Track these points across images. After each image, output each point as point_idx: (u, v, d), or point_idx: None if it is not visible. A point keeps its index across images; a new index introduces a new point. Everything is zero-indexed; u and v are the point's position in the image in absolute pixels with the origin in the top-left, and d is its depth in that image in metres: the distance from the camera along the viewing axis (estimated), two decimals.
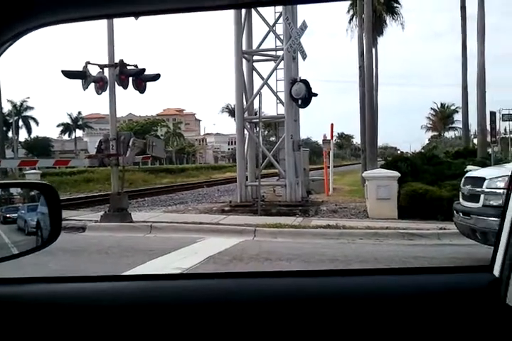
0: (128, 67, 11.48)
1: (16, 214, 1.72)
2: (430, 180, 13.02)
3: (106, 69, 11.48)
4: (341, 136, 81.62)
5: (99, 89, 11.40)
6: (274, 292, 1.16)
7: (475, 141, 31.43)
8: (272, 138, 44.34)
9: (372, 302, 1.13)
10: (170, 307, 1.10)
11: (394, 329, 1.10)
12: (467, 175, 7.66)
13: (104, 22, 11.77)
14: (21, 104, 60.15)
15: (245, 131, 14.31)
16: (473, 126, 31.90)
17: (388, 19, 31.65)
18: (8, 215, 1.67)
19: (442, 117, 69.12)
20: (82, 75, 11.12)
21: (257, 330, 1.08)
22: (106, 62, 11.50)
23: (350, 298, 1.14)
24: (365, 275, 1.27)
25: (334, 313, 1.11)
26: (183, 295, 1.14)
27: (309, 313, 1.11)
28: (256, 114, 14.39)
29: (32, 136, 63.47)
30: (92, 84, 11.41)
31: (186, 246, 8.44)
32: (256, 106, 14.22)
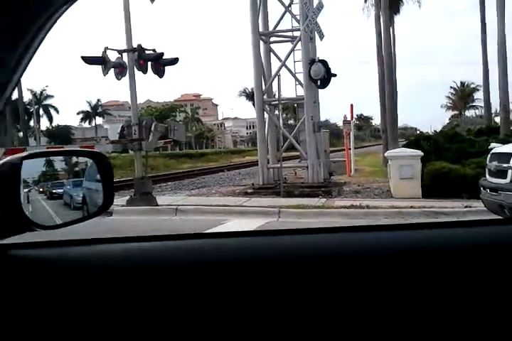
0: (146, 52, 11.50)
1: (62, 190, 1.75)
2: (453, 158, 12.89)
3: (125, 55, 11.53)
4: (360, 117, 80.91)
5: (119, 75, 11.45)
6: (288, 249, 1.18)
7: (497, 119, 30.90)
8: (291, 122, 44.20)
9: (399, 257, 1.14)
10: (192, 266, 1.14)
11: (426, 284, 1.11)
12: (493, 151, 7.58)
13: (120, 7, 11.78)
14: (41, 93, 60.82)
15: (265, 114, 14.29)
16: (495, 104, 31.37)
17: None
18: (54, 191, 1.70)
19: (462, 96, 68.00)
20: (102, 61, 11.16)
21: (272, 288, 1.10)
22: (124, 47, 11.54)
23: (374, 254, 1.15)
24: (384, 231, 1.28)
25: (357, 269, 1.12)
26: (205, 254, 1.17)
27: (329, 269, 1.12)
28: (275, 96, 14.33)
29: (53, 124, 64.32)
30: (112, 70, 11.47)
31: (213, 227, 8.52)
32: (275, 88, 14.16)
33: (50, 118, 63.32)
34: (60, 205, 1.75)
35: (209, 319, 1.08)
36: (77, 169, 1.75)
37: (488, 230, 1.26)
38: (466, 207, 9.60)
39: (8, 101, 0.99)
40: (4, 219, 1.02)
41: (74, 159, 1.75)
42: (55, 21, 0.88)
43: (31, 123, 56.83)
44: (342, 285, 1.10)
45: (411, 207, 9.90)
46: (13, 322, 1.02)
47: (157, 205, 11.01)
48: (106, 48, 11.27)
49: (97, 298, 1.10)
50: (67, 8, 0.88)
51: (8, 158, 1.09)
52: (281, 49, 14.95)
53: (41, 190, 1.61)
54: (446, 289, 1.10)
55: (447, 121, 60.47)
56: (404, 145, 15.31)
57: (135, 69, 11.40)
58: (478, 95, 56.18)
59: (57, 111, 63.60)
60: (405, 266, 1.12)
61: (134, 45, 11.38)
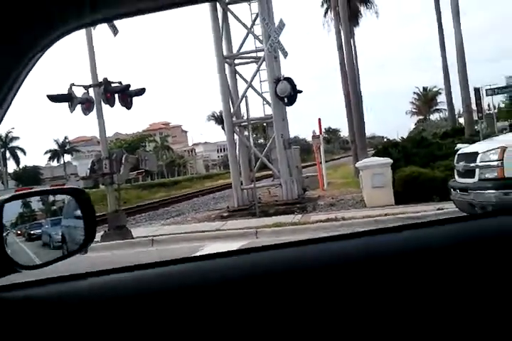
0: (112, 85, 11.53)
1: (40, 230, 1.77)
2: (422, 162, 13.18)
3: (91, 90, 11.53)
4: (328, 130, 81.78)
5: (87, 110, 11.42)
6: (280, 263, 1.20)
7: (461, 120, 31.68)
8: (261, 141, 44.42)
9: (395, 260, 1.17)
10: (190, 290, 1.15)
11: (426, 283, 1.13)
12: (460, 151, 7.78)
13: (84, 42, 11.80)
14: (6, 135, 59.91)
15: (235, 135, 14.40)
16: (457, 105, 32.23)
17: (362, 9, 31.96)
18: (32, 232, 1.72)
19: (426, 100, 69.54)
20: (68, 98, 11.14)
21: (263, 305, 1.12)
22: (90, 82, 11.55)
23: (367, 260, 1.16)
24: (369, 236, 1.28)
25: (339, 277, 1.13)
26: (203, 277, 1.19)
27: (318, 281, 1.13)
28: (243, 117, 14.48)
29: (20, 166, 63.27)
30: (79, 106, 11.44)
31: (191, 254, 8.47)
32: (243, 109, 14.32)
33: (17, 161, 62.42)
34: (39, 246, 1.77)
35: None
36: (54, 208, 1.78)
37: (453, 227, 1.29)
38: (438, 209, 9.79)
39: None
40: None
41: (51, 198, 1.78)
42: (37, 61, 0.92)
43: None
44: (328, 294, 1.12)
45: (385, 214, 10.06)
46: None
47: (132, 238, 10.90)
48: (72, 85, 11.25)
49: (89, 331, 1.11)
50: (48, 48, 0.92)
51: None
52: (247, 70, 15.16)
53: (19, 232, 1.63)
54: (427, 289, 1.12)
55: (413, 126, 61.66)
56: (374, 154, 15.57)
57: (102, 103, 11.40)
58: (441, 98, 57.59)
59: (24, 153, 62.83)
60: (382, 270, 1.15)
61: (100, 79, 11.41)
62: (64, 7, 0.88)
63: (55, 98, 11.31)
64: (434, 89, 67.28)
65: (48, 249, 1.82)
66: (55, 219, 1.78)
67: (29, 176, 57.04)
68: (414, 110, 72.01)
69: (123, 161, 11.38)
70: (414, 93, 71.39)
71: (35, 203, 1.80)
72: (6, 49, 0.90)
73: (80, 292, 1.20)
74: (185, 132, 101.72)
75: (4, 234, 1.43)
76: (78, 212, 1.60)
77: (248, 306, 1.11)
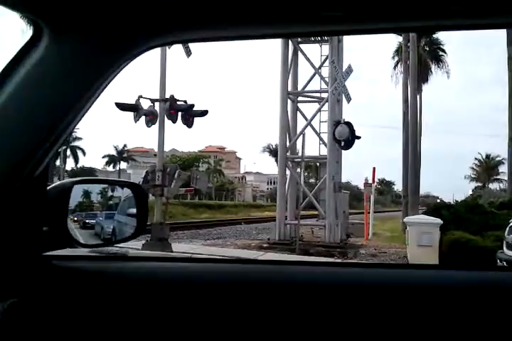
0: (178, 102, 11.93)
1: (94, 221, 1.86)
2: (473, 229, 12.75)
3: (156, 104, 11.97)
4: (382, 181, 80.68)
5: (150, 122, 11.84)
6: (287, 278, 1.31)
7: None
8: (312, 180, 44.32)
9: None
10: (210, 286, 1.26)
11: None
12: (511, 224, 7.54)
13: (157, 59, 12.33)
14: (70, 134, 62.31)
15: (287, 170, 14.47)
16: None
17: (433, 67, 31.85)
18: (87, 221, 1.81)
19: (487, 168, 67.67)
20: (135, 108, 11.60)
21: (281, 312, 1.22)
22: (157, 96, 12.00)
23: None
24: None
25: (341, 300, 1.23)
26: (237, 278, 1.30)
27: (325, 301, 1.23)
28: (298, 154, 14.55)
29: (78, 165, 65.57)
30: (143, 117, 11.88)
31: None
32: (299, 146, 14.43)
33: (76, 160, 64.70)
34: (91, 235, 1.86)
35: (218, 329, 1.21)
36: (111, 202, 1.87)
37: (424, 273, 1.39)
38: None
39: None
40: (51, 234, 1.13)
41: (109, 193, 1.87)
42: (123, 69, 1.02)
43: (57, 162, 58.07)
44: (327, 312, 1.22)
45: None
46: (53, 325, 1.12)
47: (172, 252, 11.02)
48: (140, 96, 11.74)
49: (128, 310, 1.22)
50: (135, 57, 1.02)
51: (62, 181, 1.22)
52: (308, 109, 15.40)
53: (75, 219, 1.72)
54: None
55: (470, 192, 59.95)
56: (424, 213, 15.21)
57: (165, 118, 11.79)
58: (503, 168, 55.96)
59: (84, 153, 65.05)
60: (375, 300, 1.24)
61: (167, 96, 11.83)
62: (158, 24, 0.98)
63: (122, 106, 11.79)
64: (497, 159, 65.55)
65: (98, 239, 1.91)
66: (109, 213, 1.87)
67: (85, 176, 58.73)
68: (473, 176, 70.11)
69: (175, 176, 11.63)
70: (476, 159, 69.76)
71: (94, 195, 1.90)
72: (105, 53, 0.99)
73: (123, 272, 1.34)
74: (239, 159, 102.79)
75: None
76: (131, 210, 1.69)
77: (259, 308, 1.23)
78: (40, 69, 0.96)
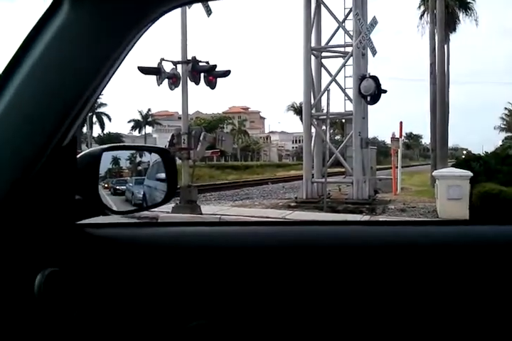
0: (200, 64, 11.80)
1: (125, 187, 1.87)
2: (504, 180, 12.56)
3: (179, 66, 11.87)
4: (409, 135, 79.63)
5: (173, 85, 11.79)
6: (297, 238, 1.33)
7: None
8: (337, 137, 43.97)
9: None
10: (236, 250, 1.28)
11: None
12: None
13: (177, 20, 12.14)
14: (95, 101, 62.74)
15: (312, 128, 14.34)
16: None
17: (461, 15, 30.68)
18: (117, 187, 1.83)
19: None
20: (157, 71, 11.53)
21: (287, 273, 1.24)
22: (179, 58, 11.89)
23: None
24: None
25: (355, 259, 1.24)
26: (249, 240, 1.32)
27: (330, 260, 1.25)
28: (323, 111, 14.37)
29: (105, 131, 66.29)
30: (166, 80, 11.82)
31: None
32: (323, 103, 14.24)
33: (102, 126, 65.34)
34: (122, 201, 1.88)
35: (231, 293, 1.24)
36: (140, 168, 1.88)
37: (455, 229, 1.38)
38: None
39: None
40: (83, 202, 1.15)
41: (138, 158, 1.87)
42: (144, 32, 0.99)
43: (84, 129, 58.76)
44: (338, 273, 1.24)
45: None
46: (92, 293, 1.15)
47: (201, 214, 11.18)
48: (162, 59, 11.64)
49: (161, 275, 1.25)
50: (156, 21, 0.99)
51: (91, 149, 1.22)
52: (333, 64, 15.06)
53: (106, 185, 1.73)
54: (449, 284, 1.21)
55: (500, 143, 58.80)
56: (454, 166, 15.02)
57: (188, 80, 11.71)
58: None
59: (110, 119, 65.59)
60: (395, 258, 1.24)
61: (189, 57, 11.71)
62: None
63: (145, 70, 11.73)
64: None
65: (129, 205, 1.94)
66: (139, 178, 1.89)
67: (112, 142, 59.54)
68: (503, 126, 68.51)
69: (201, 139, 11.66)
70: (506, 108, 67.91)
71: (123, 161, 1.90)
72: (126, 17, 0.97)
73: (155, 237, 1.36)
74: (263, 119, 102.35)
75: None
76: (160, 175, 1.69)
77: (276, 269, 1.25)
78: (62, 36, 0.94)
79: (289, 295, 1.23)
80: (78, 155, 1.15)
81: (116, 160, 1.80)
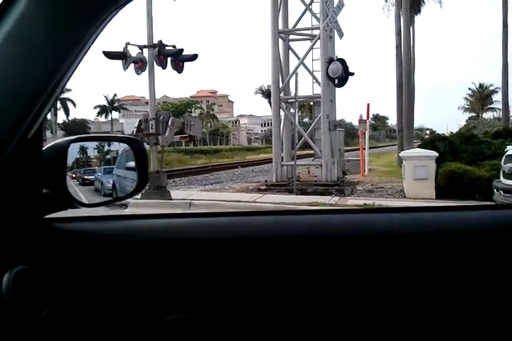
0: (166, 48, 11.62)
1: (93, 177, 1.84)
2: (469, 159, 12.87)
3: (145, 50, 11.65)
4: (376, 117, 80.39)
5: (139, 70, 11.58)
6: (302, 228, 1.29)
7: None
8: (305, 120, 44.12)
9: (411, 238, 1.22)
10: (202, 241, 1.26)
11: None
12: (508, 152, 7.59)
13: (142, 3, 11.90)
14: (60, 92, 61.21)
15: (281, 111, 14.35)
16: None
17: None
18: (86, 177, 1.80)
19: (480, 97, 67.25)
20: (123, 56, 11.30)
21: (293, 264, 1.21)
22: (145, 42, 11.67)
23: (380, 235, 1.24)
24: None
25: (357, 248, 1.21)
26: (232, 230, 1.29)
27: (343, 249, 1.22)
28: (292, 94, 14.37)
29: (70, 117, 64.90)
30: (132, 65, 11.60)
31: None
32: (292, 86, 14.23)
33: (67, 112, 63.90)
34: (91, 191, 1.85)
35: (221, 285, 1.21)
36: (108, 157, 1.85)
37: (480, 214, 1.33)
38: None
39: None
40: (51, 196, 1.12)
41: (106, 147, 1.84)
42: (112, 18, 0.96)
43: (48, 116, 57.36)
44: (342, 261, 1.21)
45: None
46: (62, 290, 1.12)
47: (171, 199, 11.13)
48: (127, 44, 11.41)
49: (133, 270, 1.22)
50: (124, 6, 0.96)
51: (57, 140, 1.19)
52: (300, 47, 15.03)
53: (73, 175, 1.70)
54: (437, 270, 1.18)
55: (464, 123, 59.92)
56: (419, 146, 15.29)
57: (155, 64, 11.52)
58: (497, 97, 55.64)
59: (74, 105, 64.12)
60: (402, 246, 1.21)
61: (155, 41, 11.51)
62: None
63: (110, 55, 11.47)
64: (491, 88, 64.97)
65: (99, 195, 1.91)
66: (107, 167, 1.86)
67: (77, 128, 58.40)
68: (467, 106, 69.76)
69: (169, 124, 11.54)
70: (469, 89, 69.13)
71: (91, 150, 1.87)
72: (93, 3, 0.94)
73: (125, 231, 1.33)
74: (232, 102, 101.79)
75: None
76: (129, 164, 1.67)
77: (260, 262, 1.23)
78: (23, 25, 0.90)
79: (279, 288, 1.21)
80: (44, 148, 1.12)
81: (83, 150, 1.77)
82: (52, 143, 1.17)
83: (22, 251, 1.03)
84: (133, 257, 1.23)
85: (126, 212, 10.03)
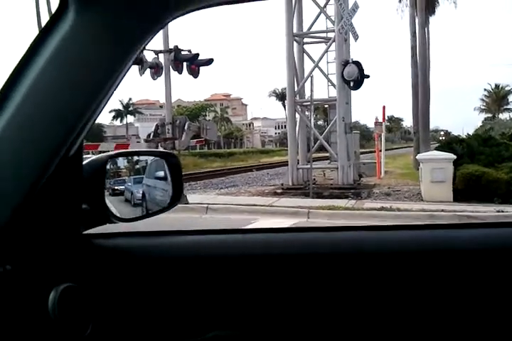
0: (182, 53, 11.68)
1: (123, 187, 1.85)
2: (487, 162, 12.72)
3: (161, 55, 11.73)
4: (391, 119, 79.92)
5: (155, 75, 11.67)
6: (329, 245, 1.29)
7: None
8: (320, 123, 44.01)
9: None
10: (233, 259, 1.26)
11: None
12: None
13: None
14: (103, 108, 61.77)
15: (296, 114, 14.33)
16: None
17: None
18: (116, 187, 1.81)
19: (497, 98, 66.68)
20: (139, 61, 11.37)
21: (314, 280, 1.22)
22: (161, 47, 11.74)
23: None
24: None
25: (373, 266, 1.21)
26: (248, 248, 1.30)
27: (368, 266, 1.21)
28: (306, 97, 14.35)
29: None
30: (148, 70, 11.68)
31: (243, 226, 8.61)
32: (307, 89, 14.20)
33: None
34: (121, 201, 1.87)
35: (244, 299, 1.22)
36: (137, 167, 1.87)
37: (499, 232, 1.30)
38: (498, 211, 9.48)
39: None
40: (89, 212, 1.13)
41: (135, 157, 1.86)
42: (155, 35, 0.97)
43: None
44: (355, 279, 1.21)
45: (442, 210, 9.81)
46: (100, 307, 1.11)
47: (187, 203, 11.15)
48: (143, 49, 11.48)
49: (174, 286, 1.23)
50: (166, 25, 0.97)
51: (97, 156, 1.20)
52: (315, 50, 15.01)
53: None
54: (448, 289, 1.18)
55: (480, 124, 59.38)
56: (437, 148, 15.16)
57: (171, 69, 11.59)
58: None
59: None
60: (415, 264, 1.20)
61: (171, 46, 11.58)
62: None
63: None
64: (507, 88, 64.37)
65: (129, 205, 1.92)
66: (137, 177, 1.87)
67: (92, 132, 58.71)
68: (483, 107, 69.20)
69: (185, 128, 11.60)
70: (485, 90, 68.53)
71: (121, 160, 1.89)
72: (136, 22, 0.96)
73: (160, 247, 1.33)
74: (245, 105, 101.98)
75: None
76: (159, 173, 1.68)
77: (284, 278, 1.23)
78: (70, 42, 0.91)
79: (292, 304, 1.21)
80: (83, 163, 1.13)
81: (113, 161, 1.79)
82: (91, 159, 1.18)
83: (65, 268, 1.04)
84: (171, 273, 1.23)
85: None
